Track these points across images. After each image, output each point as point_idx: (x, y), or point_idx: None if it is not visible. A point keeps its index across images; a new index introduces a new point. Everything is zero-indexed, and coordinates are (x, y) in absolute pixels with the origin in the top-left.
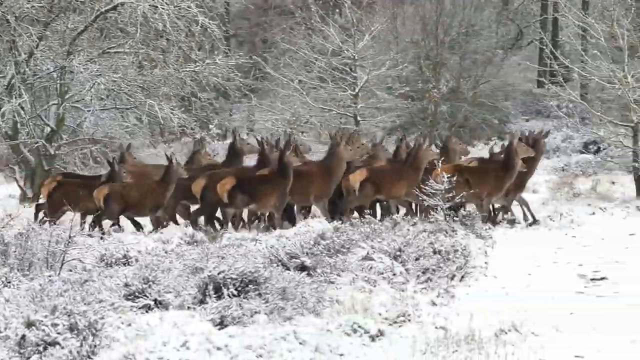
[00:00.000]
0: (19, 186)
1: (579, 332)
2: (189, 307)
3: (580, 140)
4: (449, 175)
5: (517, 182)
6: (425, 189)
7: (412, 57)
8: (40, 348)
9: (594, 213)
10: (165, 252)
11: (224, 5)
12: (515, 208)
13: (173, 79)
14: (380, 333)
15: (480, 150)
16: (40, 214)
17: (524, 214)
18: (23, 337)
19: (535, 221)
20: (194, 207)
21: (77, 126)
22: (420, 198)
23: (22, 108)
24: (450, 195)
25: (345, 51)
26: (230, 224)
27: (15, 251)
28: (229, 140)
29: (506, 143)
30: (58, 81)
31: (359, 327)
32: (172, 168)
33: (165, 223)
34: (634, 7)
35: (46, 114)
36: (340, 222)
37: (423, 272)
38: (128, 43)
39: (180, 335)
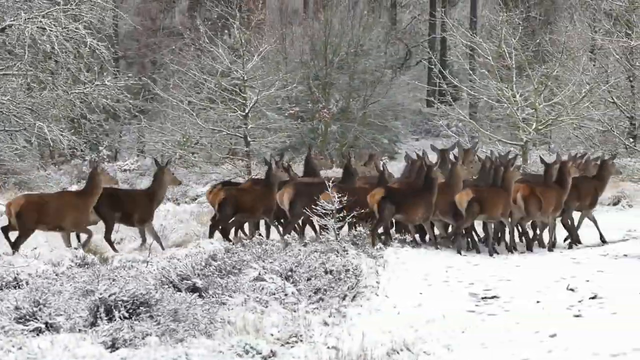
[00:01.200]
0: None
1: (471, 350)
2: (80, 330)
3: None
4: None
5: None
6: (316, 209)
7: (301, 77)
8: None
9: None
10: (56, 275)
11: (112, 26)
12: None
13: (62, 100)
14: (273, 354)
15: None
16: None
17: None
18: None
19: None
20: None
21: None
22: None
23: None
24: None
25: (235, 72)
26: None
27: None
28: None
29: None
30: None
31: (251, 348)
32: (272, 172)
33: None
34: (522, 26)
35: None
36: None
37: (315, 292)
38: (16, 65)
39: (72, 359)
